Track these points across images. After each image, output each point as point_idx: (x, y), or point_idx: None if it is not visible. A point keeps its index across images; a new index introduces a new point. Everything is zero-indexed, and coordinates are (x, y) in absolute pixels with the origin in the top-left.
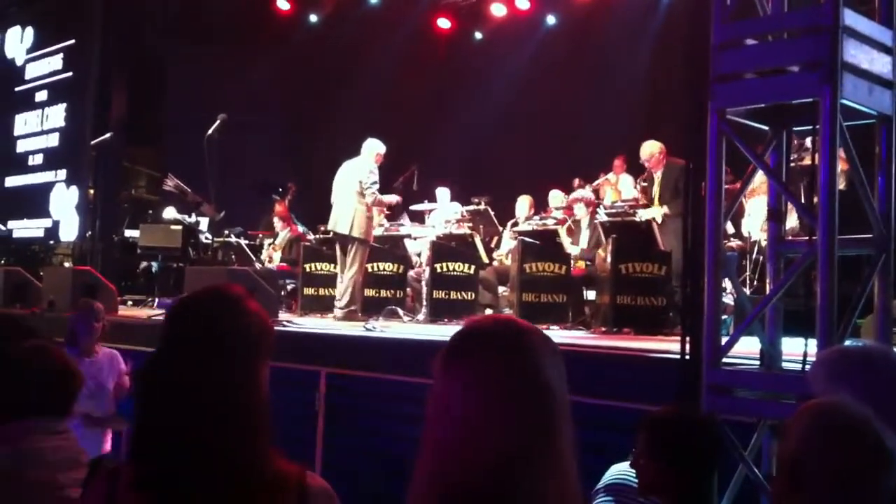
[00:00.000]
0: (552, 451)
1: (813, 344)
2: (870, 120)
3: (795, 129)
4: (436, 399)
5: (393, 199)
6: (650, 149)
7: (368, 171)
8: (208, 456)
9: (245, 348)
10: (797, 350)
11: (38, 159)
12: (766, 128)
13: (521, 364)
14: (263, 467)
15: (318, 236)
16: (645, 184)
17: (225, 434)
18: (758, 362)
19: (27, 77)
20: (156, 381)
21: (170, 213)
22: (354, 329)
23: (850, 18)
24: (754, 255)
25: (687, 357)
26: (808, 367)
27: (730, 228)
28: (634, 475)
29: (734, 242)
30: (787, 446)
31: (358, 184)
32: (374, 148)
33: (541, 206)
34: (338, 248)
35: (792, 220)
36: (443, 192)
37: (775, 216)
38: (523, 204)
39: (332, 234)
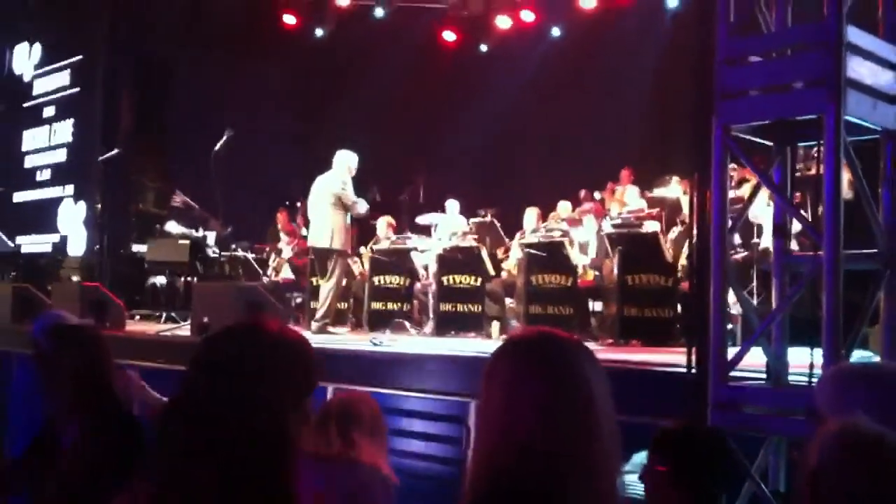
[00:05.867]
0: (592, 454)
1: (819, 355)
2: (874, 135)
3: (800, 144)
4: (484, 405)
5: (363, 208)
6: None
7: (342, 182)
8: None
9: (280, 395)
10: (804, 360)
11: (45, 175)
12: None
13: (562, 371)
14: None
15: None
16: (652, 194)
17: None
18: (764, 374)
19: (35, 93)
20: (180, 420)
21: (172, 227)
22: (361, 343)
23: (854, 35)
24: (761, 266)
25: (693, 371)
26: (814, 379)
27: (737, 239)
28: (636, 487)
29: (741, 254)
30: (808, 465)
31: (332, 196)
32: (345, 160)
33: (548, 218)
34: (317, 262)
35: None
36: (452, 205)
37: (781, 231)
38: (531, 216)
39: (310, 249)
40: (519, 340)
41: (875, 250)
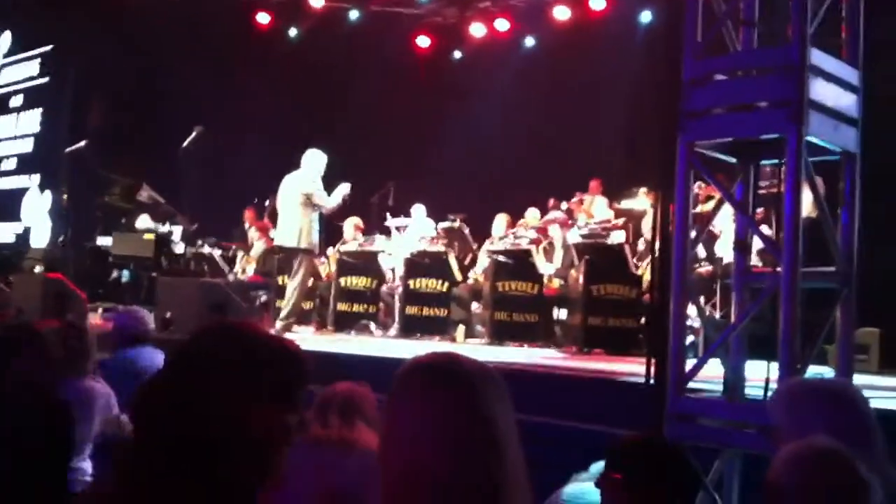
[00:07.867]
0: (498, 481)
1: (775, 369)
2: (835, 156)
3: (763, 162)
4: (384, 434)
5: (341, 193)
6: None
7: (311, 181)
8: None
9: (254, 395)
10: (762, 374)
11: (10, 164)
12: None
13: (462, 398)
14: None
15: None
16: (619, 206)
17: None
18: (722, 387)
19: (1, 82)
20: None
21: (143, 221)
22: (331, 345)
23: (817, 58)
24: (724, 280)
25: (651, 382)
26: (769, 393)
27: (701, 252)
28: (592, 496)
29: (705, 267)
30: (769, 482)
31: (301, 196)
32: (314, 159)
33: (517, 225)
34: (283, 261)
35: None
36: (418, 209)
37: (741, 247)
38: (500, 222)
39: (277, 247)
40: (424, 368)
41: (833, 269)
